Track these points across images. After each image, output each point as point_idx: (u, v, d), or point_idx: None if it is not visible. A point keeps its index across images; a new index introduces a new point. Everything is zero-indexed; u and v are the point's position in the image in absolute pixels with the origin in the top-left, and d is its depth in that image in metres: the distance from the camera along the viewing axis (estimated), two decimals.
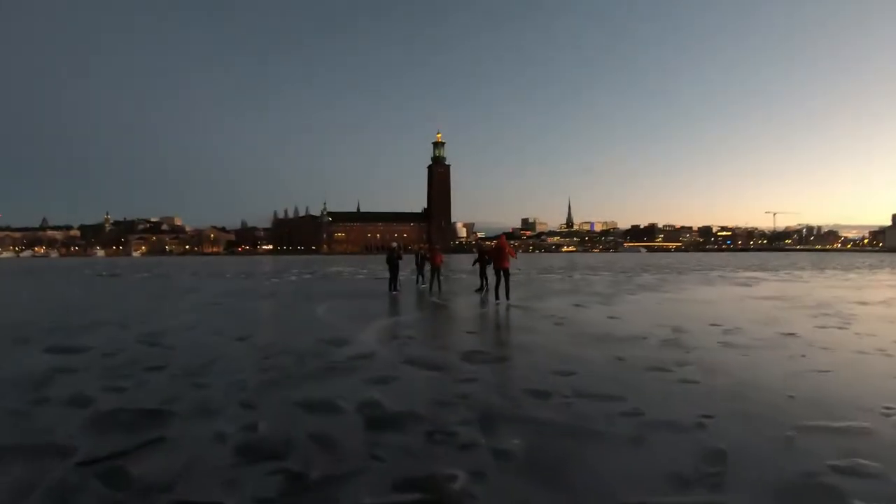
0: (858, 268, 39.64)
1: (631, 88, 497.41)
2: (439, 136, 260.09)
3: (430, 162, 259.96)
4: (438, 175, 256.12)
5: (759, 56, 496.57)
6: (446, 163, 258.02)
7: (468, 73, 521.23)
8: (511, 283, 14.42)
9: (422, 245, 26.40)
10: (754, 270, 35.56)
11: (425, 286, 19.27)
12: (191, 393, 5.26)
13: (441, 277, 18.06)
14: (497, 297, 14.26)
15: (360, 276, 28.15)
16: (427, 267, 20.07)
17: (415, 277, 21.10)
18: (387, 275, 17.79)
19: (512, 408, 4.76)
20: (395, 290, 17.07)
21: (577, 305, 13.58)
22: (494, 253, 15.09)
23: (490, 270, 15.94)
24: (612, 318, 11.17)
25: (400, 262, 17.72)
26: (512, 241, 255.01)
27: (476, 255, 18.01)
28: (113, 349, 7.60)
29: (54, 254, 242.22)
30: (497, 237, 15.75)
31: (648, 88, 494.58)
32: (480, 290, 17.27)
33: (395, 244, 18.55)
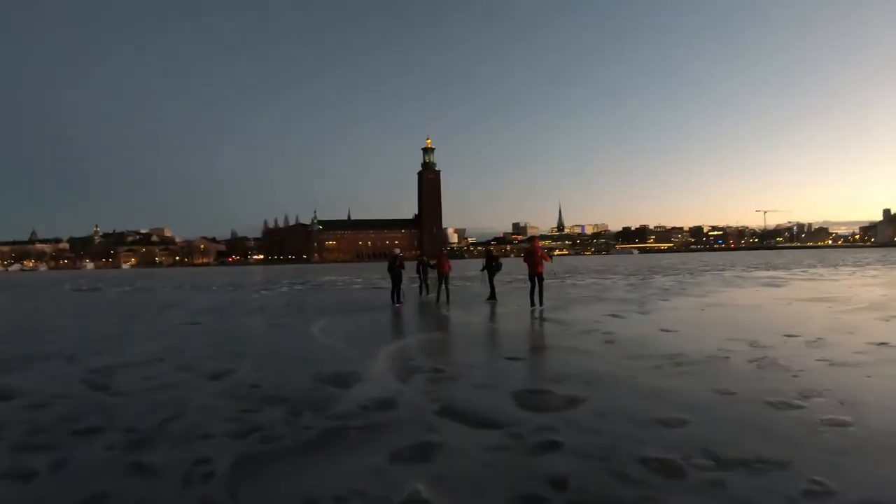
0: (868, 264, 38.65)
1: (619, 91, 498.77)
2: (429, 141, 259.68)
3: (420, 168, 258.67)
4: (429, 181, 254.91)
5: (746, 55, 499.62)
6: (436, 168, 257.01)
7: (457, 79, 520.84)
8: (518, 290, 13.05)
9: (419, 252, 25.39)
10: (766, 269, 34.15)
11: (430, 296, 17.46)
12: (125, 485, 3.37)
13: (450, 286, 16.21)
14: (532, 303, 13.45)
15: (356, 286, 26.20)
16: (431, 274, 18.29)
17: (417, 287, 19.28)
18: (385, 284, 15.95)
19: (639, 500, 2.93)
20: (399, 301, 15.20)
21: (614, 316, 11.77)
22: (528, 257, 14.07)
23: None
24: (665, 331, 9.42)
25: (403, 270, 15.88)
26: (503, 246, 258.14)
27: (484, 261, 16.26)
28: (44, 396, 5.67)
29: (43, 267, 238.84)
30: (530, 240, 14.94)
31: (636, 90, 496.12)
32: (491, 298, 15.50)
33: (397, 251, 16.68)
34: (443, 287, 15.92)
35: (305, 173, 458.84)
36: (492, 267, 15.72)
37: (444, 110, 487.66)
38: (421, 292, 18.53)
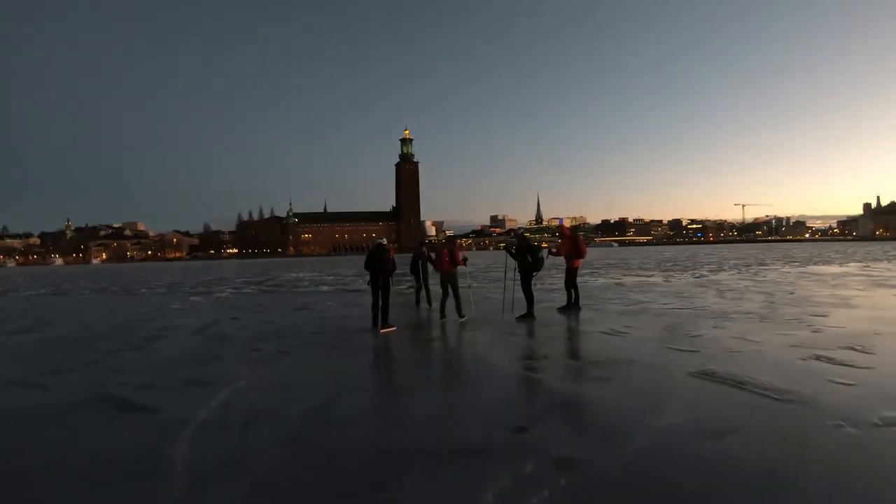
0: (881, 258, 34.79)
1: (597, 85, 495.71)
2: (407, 132, 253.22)
3: (398, 160, 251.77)
4: (407, 172, 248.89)
5: (724, 51, 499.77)
6: (415, 160, 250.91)
7: (436, 72, 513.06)
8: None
9: (422, 244, 13.92)
10: (814, 265, 29.21)
11: (433, 306, 11.97)
12: None
13: (459, 293, 10.48)
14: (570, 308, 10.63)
15: (325, 288, 20.22)
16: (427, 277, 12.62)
17: (413, 295, 13.50)
18: (362, 286, 9.96)
19: None
20: (440, 314, 10.26)
21: (752, 341, 6.15)
22: (568, 246, 10.83)
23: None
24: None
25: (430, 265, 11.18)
26: (481, 239, 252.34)
27: (511, 251, 10.71)
28: None
29: (11, 263, 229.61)
30: (564, 227, 9.95)
31: (614, 85, 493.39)
32: (528, 315, 9.90)
33: (428, 240, 11.09)
34: (449, 293, 10.29)
35: (281, 165, 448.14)
36: (527, 263, 10.05)
37: (422, 104, 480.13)
38: (419, 301, 12.79)
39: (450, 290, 10.26)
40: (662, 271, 25.52)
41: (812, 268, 25.16)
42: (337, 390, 5.38)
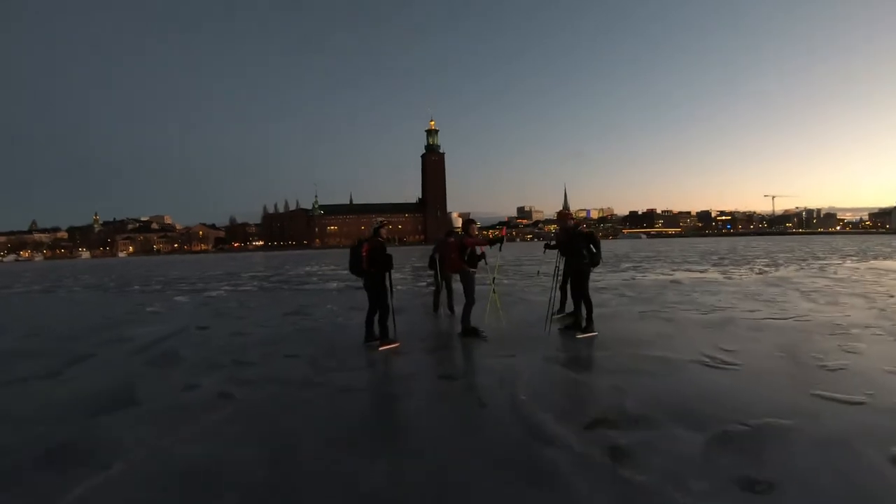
0: None
1: (625, 74, 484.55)
2: (433, 123, 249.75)
3: (423, 151, 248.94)
4: (433, 163, 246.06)
5: (756, 38, 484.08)
6: (441, 151, 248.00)
7: (461, 62, 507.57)
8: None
9: (448, 233, 8.79)
10: (843, 258, 25.84)
11: (455, 313, 9.43)
12: None
13: (474, 294, 7.80)
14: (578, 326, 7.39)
15: (333, 285, 17.91)
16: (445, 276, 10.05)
17: (431, 297, 10.92)
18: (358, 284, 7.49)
19: None
20: (479, 334, 7.38)
21: None
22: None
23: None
24: None
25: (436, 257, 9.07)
26: (510, 230, 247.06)
27: (553, 240, 8.34)
28: None
29: (39, 257, 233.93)
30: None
31: (642, 74, 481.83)
32: (587, 328, 7.31)
33: (455, 231, 8.58)
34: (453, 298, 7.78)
35: (307, 158, 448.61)
36: (581, 256, 7.34)
37: (448, 95, 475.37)
38: (437, 306, 10.12)
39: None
40: (713, 265, 22.62)
41: (875, 262, 22.00)
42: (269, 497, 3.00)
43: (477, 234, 7.50)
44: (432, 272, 10.35)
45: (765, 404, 4.29)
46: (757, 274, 17.54)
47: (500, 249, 7.66)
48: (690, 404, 4.36)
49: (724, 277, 16.49)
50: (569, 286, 7.90)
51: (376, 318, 6.91)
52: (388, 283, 6.88)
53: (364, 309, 7.11)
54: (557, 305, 8.76)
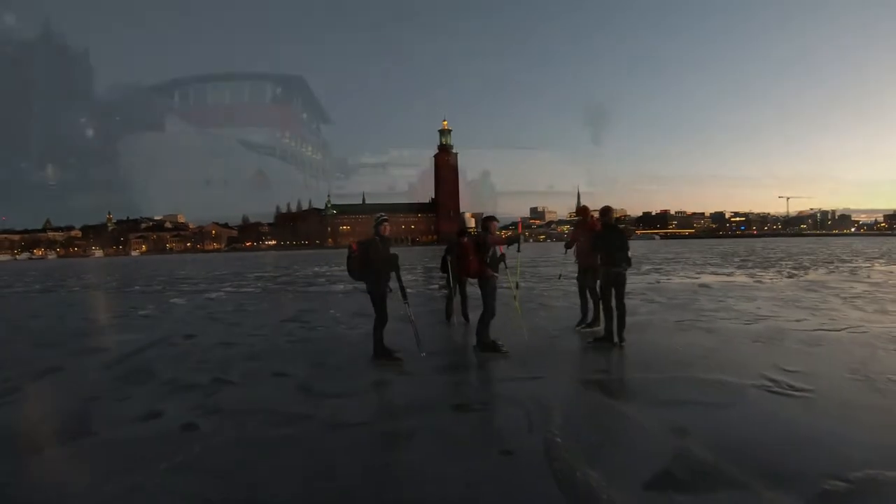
0: None
1: (637, 74, 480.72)
2: (445, 122, 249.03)
3: (436, 151, 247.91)
4: (445, 163, 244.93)
5: (768, 38, 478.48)
6: (453, 150, 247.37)
7: (473, 62, 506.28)
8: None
9: (462, 233, 7.47)
10: (869, 260, 24.60)
11: (470, 321, 8.32)
12: None
13: (493, 302, 6.62)
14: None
15: (339, 288, 17.06)
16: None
17: (444, 303, 9.61)
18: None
19: None
20: (489, 345, 6.41)
21: None
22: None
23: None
24: None
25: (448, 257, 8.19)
26: (526, 230, 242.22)
27: (570, 240, 7.48)
28: None
29: (52, 255, 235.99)
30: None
31: (655, 74, 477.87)
32: (618, 338, 6.39)
33: (469, 230, 7.66)
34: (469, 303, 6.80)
35: (320, 158, 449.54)
36: (615, 255, 6.33)
37: (460, 94, 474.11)
38: (450, 314, 8.94)
39: (490, 294, 6.67)
40: (737, 268, 21.52)
41: None
42: None
43: (498, 233, 6.57)
44: (445, 275, 9.39)
45: (860, 448, 3.37)
46: (787, 277, 16.47)
47: (518, 250, 6.67)
48: (769, 449, 3.42)
49: (755, 281, 15.43)
50: (597, 290, 6.94)
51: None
52: (395, 289, 6.01)
53: (370, 315, 6.21)
54: (581, 315, 7.83)
